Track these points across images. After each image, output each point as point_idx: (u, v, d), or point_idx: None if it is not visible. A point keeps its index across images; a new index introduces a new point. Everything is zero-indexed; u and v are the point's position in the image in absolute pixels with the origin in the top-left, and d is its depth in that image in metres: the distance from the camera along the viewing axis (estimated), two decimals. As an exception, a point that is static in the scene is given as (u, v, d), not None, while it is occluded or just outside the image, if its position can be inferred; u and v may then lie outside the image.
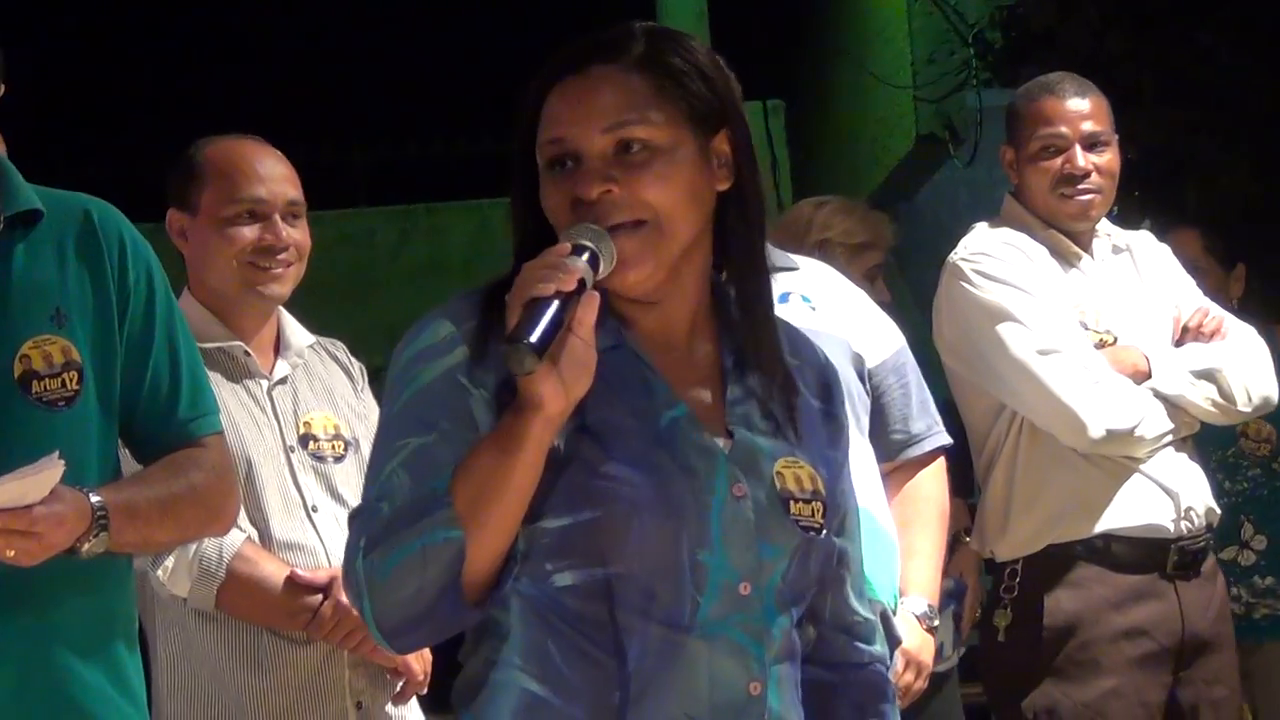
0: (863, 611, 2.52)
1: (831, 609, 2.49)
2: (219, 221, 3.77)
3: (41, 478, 2.79)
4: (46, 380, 2.98)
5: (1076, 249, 4.43)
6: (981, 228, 4.54)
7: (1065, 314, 4.38)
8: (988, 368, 4.38)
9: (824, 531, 2.38)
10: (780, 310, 3.84)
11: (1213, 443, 5.42)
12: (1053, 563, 4.36)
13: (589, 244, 2.23)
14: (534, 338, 2.14)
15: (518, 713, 2.28)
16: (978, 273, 4.38)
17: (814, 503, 2.39)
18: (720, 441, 2.36)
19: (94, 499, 2.89)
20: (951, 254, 4.45)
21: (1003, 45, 9.41)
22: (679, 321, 2.42)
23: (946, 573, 4.68)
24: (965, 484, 5.03)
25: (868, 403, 4.08)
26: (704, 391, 2.42)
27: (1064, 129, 4.43)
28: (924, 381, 4.25)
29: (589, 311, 2.18)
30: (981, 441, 4.46)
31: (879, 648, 2.55)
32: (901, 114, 10.23)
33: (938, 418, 4.25)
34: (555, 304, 2.16)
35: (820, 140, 10.81)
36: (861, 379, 4.06)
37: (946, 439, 4.23)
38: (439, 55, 14.59)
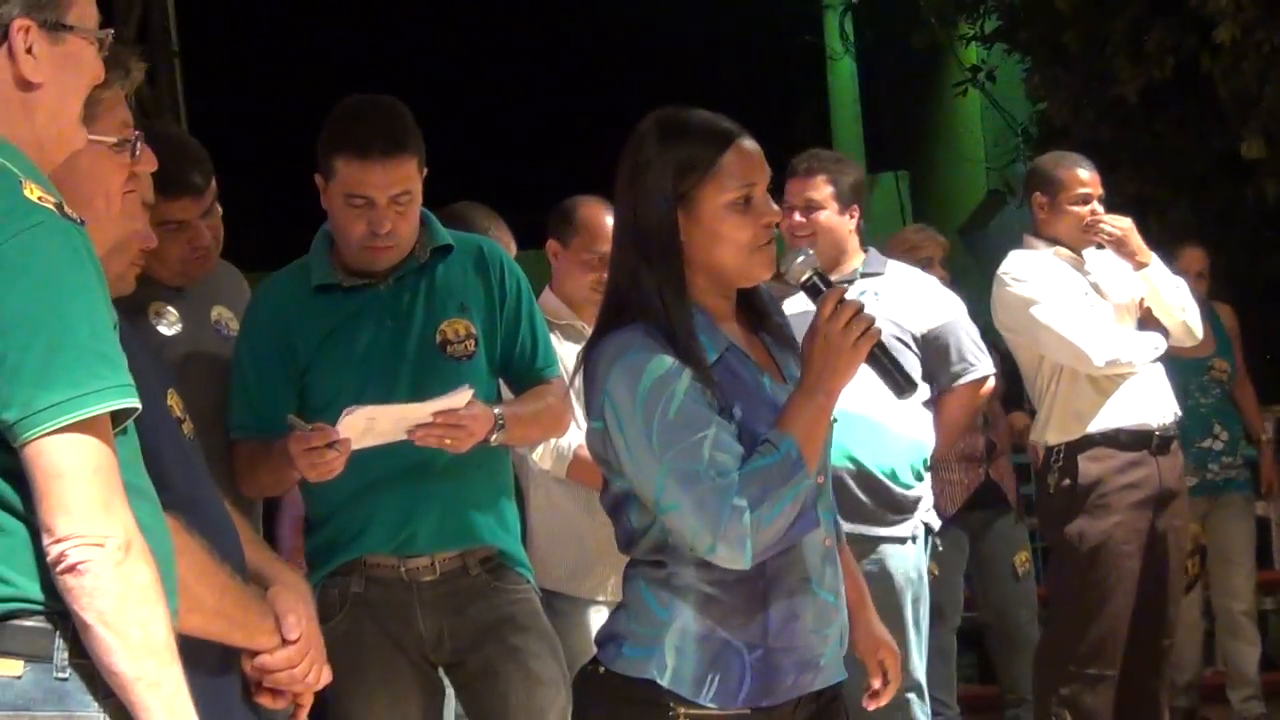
0: None
1: None
2: (581, 261, 4.47)
3: (459, 394, 3.34)
4: (454, 345, 3.54)
5: (1078, 256, 5.13)
6: (1013, 253, 5.18)
7: (1071, 292, 5.00)
8: (1025, 331, 5.11)
9: None
10: (855, 289, 4.52)
11: (1192, 372, 6.53)
12: (1082, 445, 5.10)
13: (810, 267, 2.55)
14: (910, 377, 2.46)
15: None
16: (1012, 278, 5.12)
17: None
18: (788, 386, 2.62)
19: (496, 410, 3.45)
20: (998, 270, 5.22)
21: (1038, 134, 10.51)
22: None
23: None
24: (1021, 402, 6.07)
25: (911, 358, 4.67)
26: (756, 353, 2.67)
27: (1088, 190, 5.11)
28: (974, 337, 4.83)
29: None
30: (1032, 376, 5.23)
31: None
32: (978, 177, 11.61)
33: (974, 361, 4.82)
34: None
35: (930, 196, 11.90)
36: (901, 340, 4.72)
37: (979, 374, 4.86)
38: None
